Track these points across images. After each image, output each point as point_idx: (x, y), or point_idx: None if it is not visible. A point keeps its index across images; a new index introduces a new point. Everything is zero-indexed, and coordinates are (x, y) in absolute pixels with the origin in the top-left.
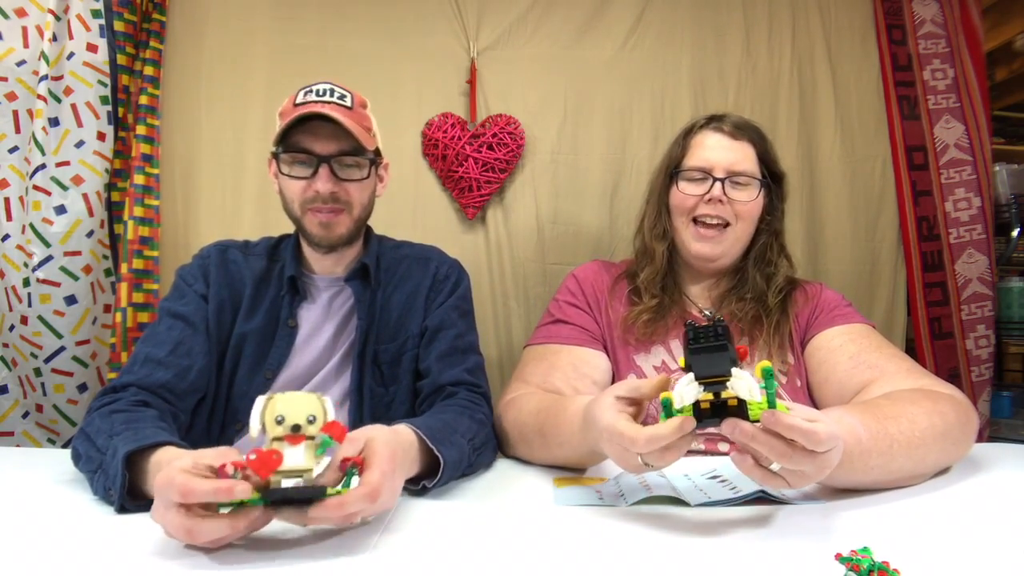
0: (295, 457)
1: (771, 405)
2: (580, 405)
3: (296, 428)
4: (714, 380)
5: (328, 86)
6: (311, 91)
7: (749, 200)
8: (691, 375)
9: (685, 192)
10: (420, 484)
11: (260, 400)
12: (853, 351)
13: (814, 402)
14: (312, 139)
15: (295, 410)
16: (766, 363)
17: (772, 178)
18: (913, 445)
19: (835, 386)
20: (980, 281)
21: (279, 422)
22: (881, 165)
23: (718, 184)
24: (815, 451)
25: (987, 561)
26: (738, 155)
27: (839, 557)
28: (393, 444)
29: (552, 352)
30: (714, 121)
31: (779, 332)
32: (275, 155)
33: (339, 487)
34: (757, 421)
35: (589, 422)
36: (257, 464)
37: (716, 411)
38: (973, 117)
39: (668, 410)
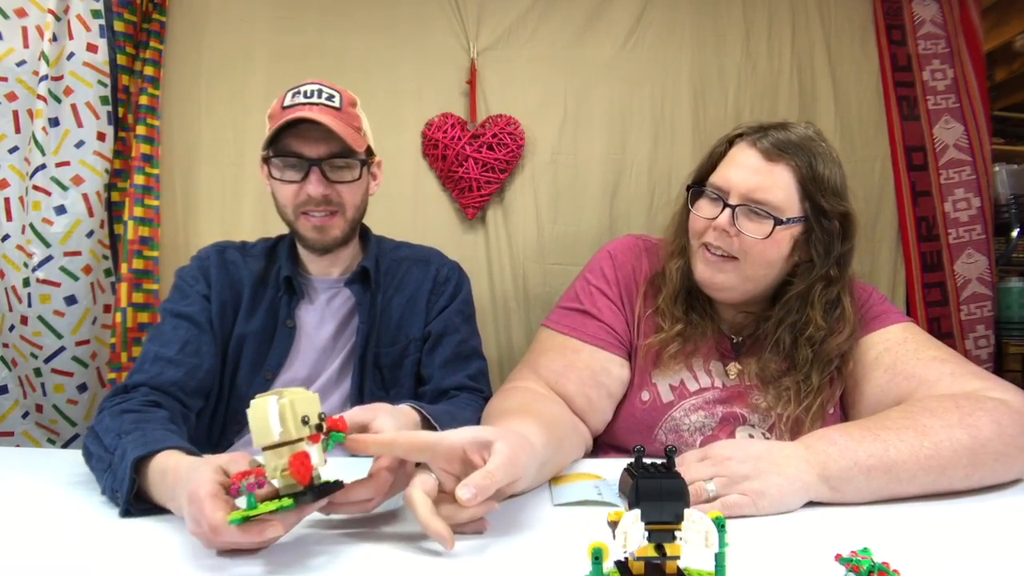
0: (316, 456)
1: (719, 571)
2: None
3: (319, 427)
4: (661, 527)
5: (316, 86)
6: (299, 92)
7: (758, 236)
8: (637, 512)
9: (697, 213)
10: None
11: (272, 402)
12: (888, 362)
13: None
14: (302, 142)
15: (311, 409)
16: (718, 513)
17: (820, 213)
18: (919, 463)
19: (871, 404)
20: (979, 281)
21: (305, 422)
22: (880, 165)
23: (727, 212)
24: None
25: (987, 562)
26: (764, 180)
27: (839, 558)
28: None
29: (572, 348)
30: (759, 133)
31: (820, 394)
32: (266, 159)
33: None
34: None
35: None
36: (296, 471)
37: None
38: (973, 117)
39: (598, 565)
